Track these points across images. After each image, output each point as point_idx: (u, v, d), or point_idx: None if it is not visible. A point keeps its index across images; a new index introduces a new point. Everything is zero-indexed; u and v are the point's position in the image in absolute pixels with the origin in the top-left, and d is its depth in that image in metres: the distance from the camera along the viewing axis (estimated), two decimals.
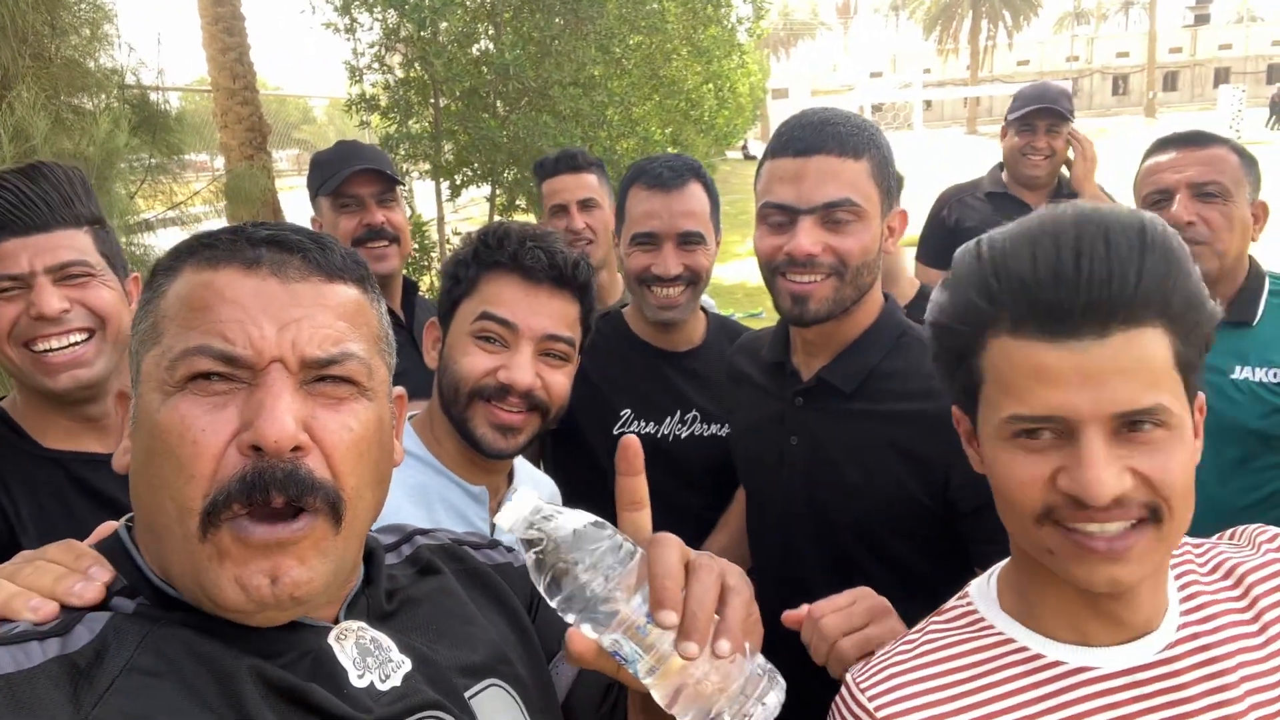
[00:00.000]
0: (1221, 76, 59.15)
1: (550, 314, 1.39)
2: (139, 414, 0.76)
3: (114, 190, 3.52)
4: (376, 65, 7.40)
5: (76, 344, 1.42)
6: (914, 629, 1.02)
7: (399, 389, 0.91)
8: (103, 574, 0.75)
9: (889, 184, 1.49)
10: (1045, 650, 0.91)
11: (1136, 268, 0.78)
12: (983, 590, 1.00)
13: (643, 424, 1.96)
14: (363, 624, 0.83)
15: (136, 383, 0.78)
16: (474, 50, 7.53)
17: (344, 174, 2.30)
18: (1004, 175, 3.28)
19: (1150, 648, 0.88)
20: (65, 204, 1.43)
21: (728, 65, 13.43)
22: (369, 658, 0.80)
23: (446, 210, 8.22)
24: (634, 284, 1.95)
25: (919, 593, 1.21)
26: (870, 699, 0.93)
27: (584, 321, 1.46)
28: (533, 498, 0.76)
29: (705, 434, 1.97)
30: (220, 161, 6.71)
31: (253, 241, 0.78)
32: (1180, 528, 0.83)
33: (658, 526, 2.28)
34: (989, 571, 1.02)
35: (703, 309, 2.10)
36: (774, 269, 1.49)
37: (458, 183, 7.75)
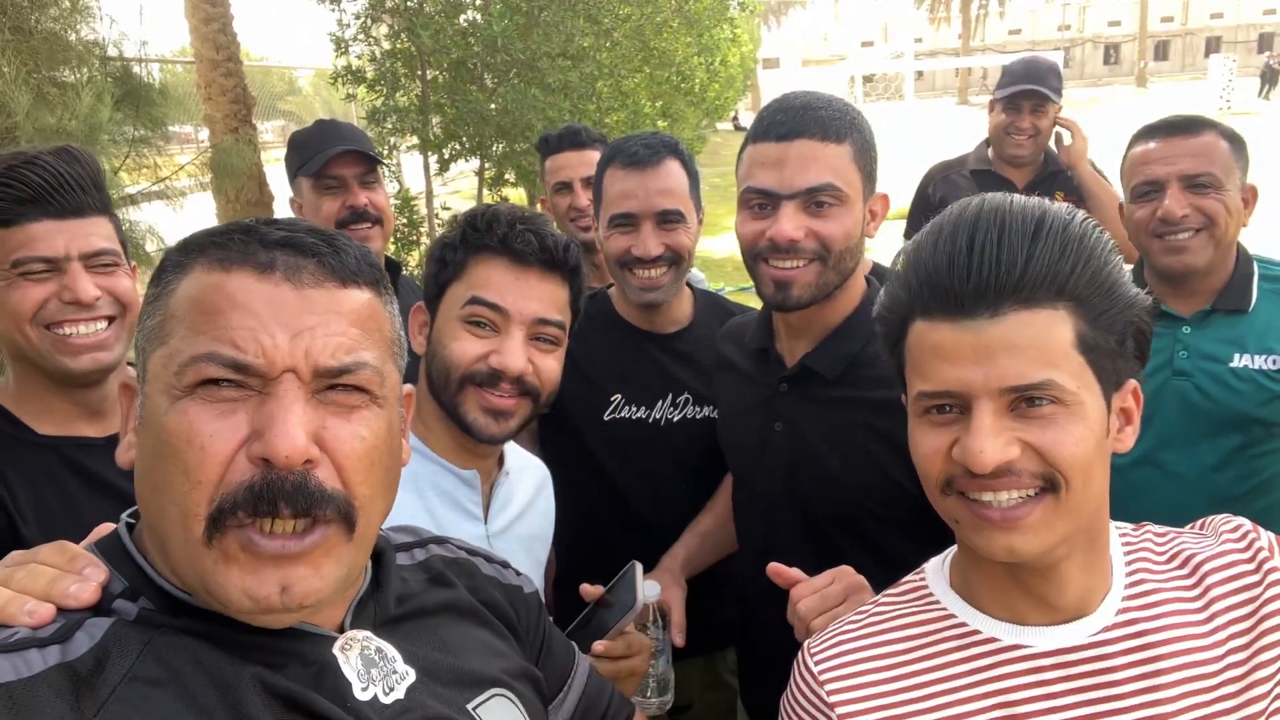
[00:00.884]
0: (1213, 45, 58.83)
1: (540, 298, 1.38)
2: (146, 414, 0.75)
3: None
4: (362, 36, 7.27)
5: (100, 330, 1.46)
6: (869, 601, 1.07)
7: (407, 386, 0.90)
8: (98, 574, 0.74)
9: (871, 168, 1.50)
10: (982, 627, 0.94)
11: (1027, 253, 0.84)
12: (937, 568, 1.04)
13: (634, 409, 1.92)
14: (368, 633, 0.83)
15: (143, 380, 0.77)
16: (461, 21, 7.42)
17: (326, 155, 2.27)
18: (989, 152, 3.29)
19: (1084, 630, 0.91)
20: (97, 189, 1.46)
21: (719, 35, 13.30)
22: (373, 669, 0.80)
23: (435, 184, 8.15)
24: (615, 267, 1.90)
25: (900, 576, 1.24)
26: (817, 664, 0.99)
27: (573, 305, 1.46)
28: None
29: (698, 416, 1.94)
30: (205, 134, 6.62)
31: (266, 243, 0.76)
32: (1083, 502, 0.86)
33: (652, 512, 2.29)
34: (948, 550, 1.05)
35: (690, 285, 2.07)
36: (756, 254, 1.49)
37: (446, 156, 7.65)
